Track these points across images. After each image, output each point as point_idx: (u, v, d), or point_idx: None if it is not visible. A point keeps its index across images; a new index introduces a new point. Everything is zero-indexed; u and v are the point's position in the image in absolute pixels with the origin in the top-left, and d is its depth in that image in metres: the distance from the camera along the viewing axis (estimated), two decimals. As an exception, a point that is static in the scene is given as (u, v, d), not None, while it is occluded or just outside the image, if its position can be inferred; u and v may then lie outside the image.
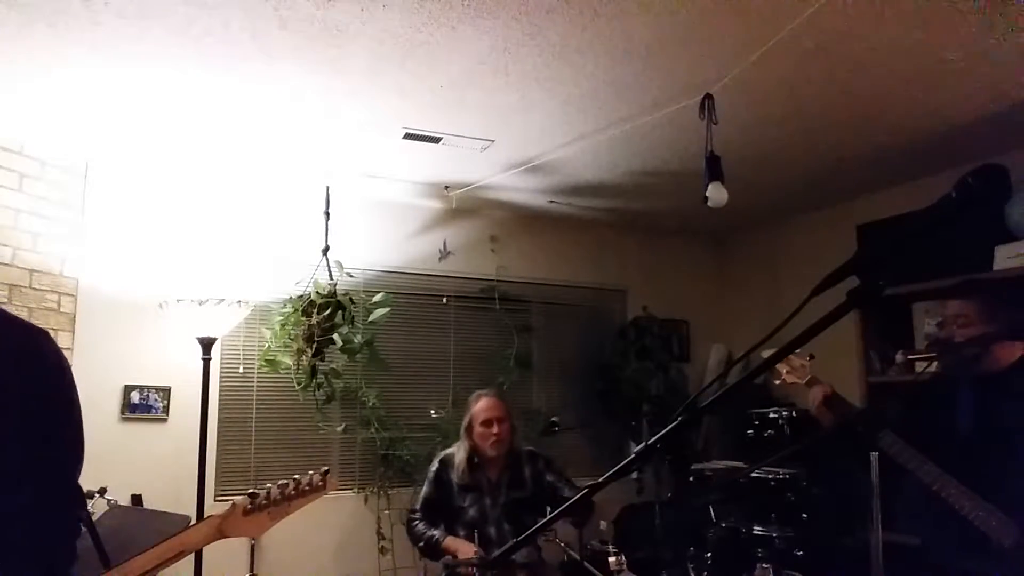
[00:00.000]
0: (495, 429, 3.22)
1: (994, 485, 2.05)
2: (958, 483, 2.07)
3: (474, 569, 2.84)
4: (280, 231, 3.88)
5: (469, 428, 3.29)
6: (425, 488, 3.32)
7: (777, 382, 2.50)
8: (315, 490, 1.59)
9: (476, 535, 3.01)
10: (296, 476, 1.56)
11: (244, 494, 1.53)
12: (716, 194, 2.91)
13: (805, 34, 2.39)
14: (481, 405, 3.29)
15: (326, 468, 1.62)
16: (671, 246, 5.12)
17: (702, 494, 3.67)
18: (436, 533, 3.14)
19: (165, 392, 3.55)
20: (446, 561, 3.13)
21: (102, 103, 2.89)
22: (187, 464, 3.36)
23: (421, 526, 3.20)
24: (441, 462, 3.33)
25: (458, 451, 3.31)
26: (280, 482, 1.55)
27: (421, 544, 3.17)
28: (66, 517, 1.28)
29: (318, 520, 3.78)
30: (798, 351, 2.33)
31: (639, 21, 2.32)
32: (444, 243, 4.36)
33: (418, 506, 3.29)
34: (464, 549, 3.03)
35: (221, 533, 1.48)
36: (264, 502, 1.52)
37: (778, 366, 2.43)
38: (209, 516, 1.51)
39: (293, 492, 1.56)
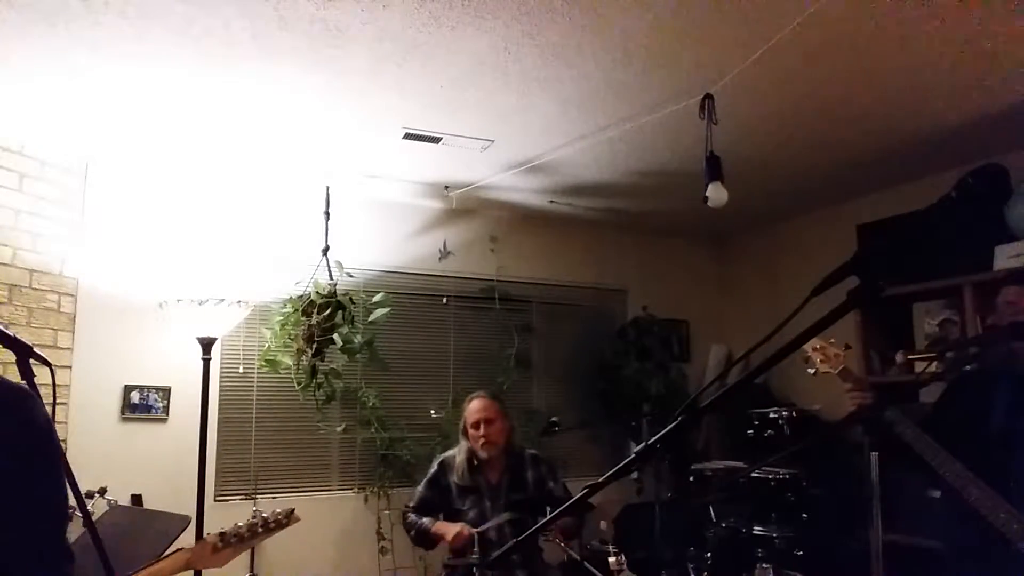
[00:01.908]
0: (482, 431, 3.22)
1: (1020, 486, 1.96)
2: (982, 483, 1.97)
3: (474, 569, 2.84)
4: (280, 231, 3.88)
5: (464, 430, 3.30)
6: (421, 489, 3.32)
7: (811, 371, 2.43)
8: (280, 526, 1.72)
9: (476, 536, 3.01)
10: (264, 514, 1.69)
11: (217, 533, 1.64)
12: (716, 194, 2.91)
13: (805, 34, 2.39)
14: (472, 407, 3.29)
15: (292, 508, 1.76)
16: (671, 246, 5.12)
17: (702, 494, 3.67)
18: (425, 520, 3.18)
19: (165, 392, 3.55)
20: (446, 561, 3.13)
21: (102, 103, 2.89)
22: (187, 464, 3.36)
23: (412, 516, 3.24)
24: (440, 465, 3.34)
25: (458, 453, 3.31)
26: (249, 520, 1.67)
27: (412, 533, 3.22)
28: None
29: (318, 520, 3.78)
30: (832, 340, 2.31)
31: (639, 21, 2.33)
32: (444, 243, 4.36)
33: (412, 504, 3.31)
34: (451, 530, 3.05)
35: (188, 566, 1.59)
36: (233, 539, 1.63)
37: (812, 353, 2.38)
38: (179, 549, 1.60)
39: (260, 529, 1.68)
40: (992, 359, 2.29)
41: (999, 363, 2.23)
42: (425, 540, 3.19)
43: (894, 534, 2.29)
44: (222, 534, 1.62)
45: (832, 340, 2.37)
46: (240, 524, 1.67)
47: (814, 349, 2.37)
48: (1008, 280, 2.30)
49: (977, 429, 2.16)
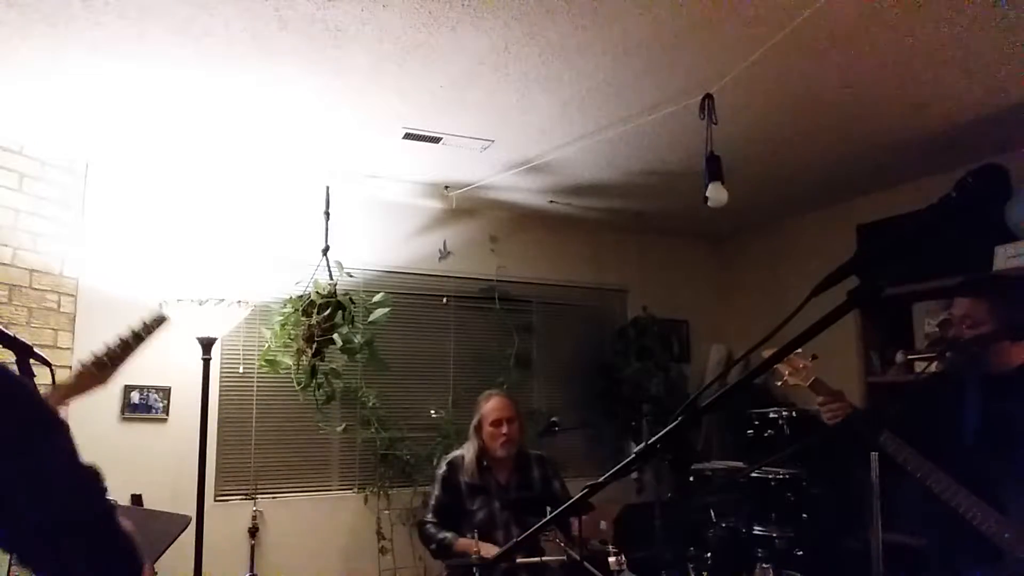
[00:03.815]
0: (504, 429, 3.19)
1: (1001, 490, 1.98)
2: (967, 492, 1.99)
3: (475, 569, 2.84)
4: (280, 231, 3.88)
5: (478, 428, 3.25)
6: (436, 494, 3.24)
7: (779, 383, 2.43)
8: (149, 331, 1.84)
9: (478, 538, 2.99)
10: (131, 324, 1.79)
11: (89, 355, 1.72)
12: (716, 194, 2.91)
13: (805, 34, 2.39)
14: (492, 404, 3.26)
15: (161, 313, 1.91)
16: (671, 246, 5.12)
17: (702, 494, 3.67)
18: (448, 535, 3.08)
19: (165, 392, 3.55)
20: (447, 561, 3.12)
21: (102, 103, 2.89)
22: (187, 464, 3.36)
23: (432, 529, 3.14)
24: (449, 465, 3.27)
25: (467, 451, 3.27)
26: (119, 335, 1.77)
27: (433, 546, 3.12)
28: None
29: (318, 520, 3.79)
30: (799, 351, 2.27)
31: (639, 21, 2.32)
32: (444, 243, 4.36)
33: (430, 515, 3.20)
34: (482, 549, 2.93)
35: (72, 393, 1.68)
36: (105, 358, 1.72)
37: (779, 367, 2.35)
38: (54, 387, 1.66)
39: (132, 341, 1.79)
40: (960, 363, 2.27)
41: (968, 367, 2.22)
42: (447, 555, 3.08)
43: (894, 534, 2.29)
44: (94, 355, 1.67)
45: (798, 351, 2.34)
46: (109, 341, 1.72)
47: None
48: (959, 291, 2.23)
49: (951, 435, 2.15)
